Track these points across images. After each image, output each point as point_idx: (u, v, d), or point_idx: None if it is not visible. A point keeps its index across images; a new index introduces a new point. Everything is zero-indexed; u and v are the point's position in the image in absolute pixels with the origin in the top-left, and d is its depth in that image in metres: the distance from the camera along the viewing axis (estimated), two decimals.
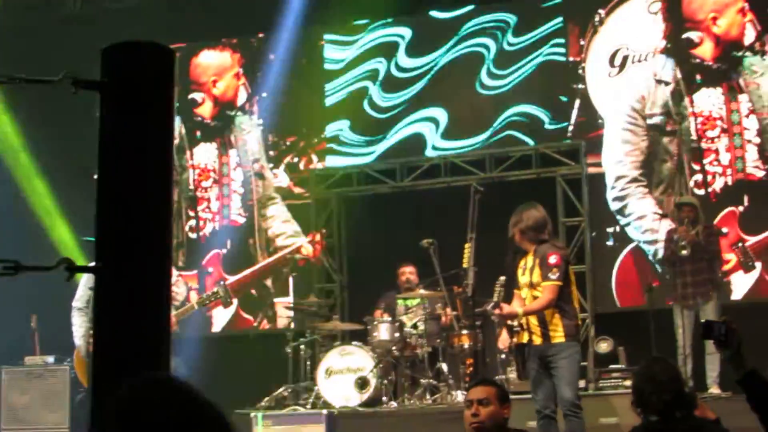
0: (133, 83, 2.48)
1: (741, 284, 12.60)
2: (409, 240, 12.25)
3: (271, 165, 14.76)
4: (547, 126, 13.63)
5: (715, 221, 12.52)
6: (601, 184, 13.26)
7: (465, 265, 10.45)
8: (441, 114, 14.07)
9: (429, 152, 13.99)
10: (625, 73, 13.35)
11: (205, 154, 15.09)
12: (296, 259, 14.39)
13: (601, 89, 13.49)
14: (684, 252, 11.10)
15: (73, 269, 2.62)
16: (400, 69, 14.36)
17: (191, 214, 14.94)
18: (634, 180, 13.15)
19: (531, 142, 13.53)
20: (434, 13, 14.38)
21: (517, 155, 13.41)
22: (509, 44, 13.91)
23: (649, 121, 13.12)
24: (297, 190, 14.57)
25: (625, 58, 13.35)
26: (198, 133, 15.15)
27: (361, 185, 14.11)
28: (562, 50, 13.66)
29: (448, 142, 14.01)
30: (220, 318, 14.66)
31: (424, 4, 14.48)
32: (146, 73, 2.49)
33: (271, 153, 14.81)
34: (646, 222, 13.01)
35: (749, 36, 12.95)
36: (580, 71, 13.60)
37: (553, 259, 8.38)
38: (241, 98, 15.03)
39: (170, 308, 2.59)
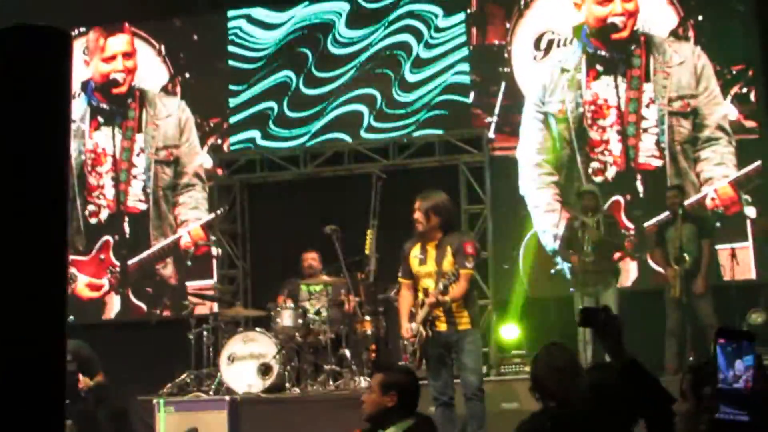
0: (26, 67, 2.43)
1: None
2: (312, 226, 12.25)
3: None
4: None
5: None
6: (507, 167, 13.33)
7: (367, 252, 10.48)
8: (376, 95, 14.00)
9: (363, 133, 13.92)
10: (550, 57, 13.41)
11: (105, 138, 14.84)
12: (198, 245, 14.27)
13: (526, 73, 13.52)
14: (587, 248, 11.20)
15: None
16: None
17: (88, 199, 14.74)
18: (537, 165, 13.26)
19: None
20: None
21: (420, 143, 13.46)
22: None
23: (546, 108, 13.23)
24: (220, 172, 14.38)
25: (551, 42, 13.42)
26: (99, 117, 14.89)
27: (264, 171, 14.05)
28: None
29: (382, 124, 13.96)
30: (114, 305, 14.54)
31: None
32: (39, 57, 2.44)
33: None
34: (540, 211, 13.15)
35: (671, 21, 13.05)
36: (506, 54, 13.66)
37: (470, 249, 8.48)
38: (162, 80, 14.78)
39: (66, 293, 2.56)
